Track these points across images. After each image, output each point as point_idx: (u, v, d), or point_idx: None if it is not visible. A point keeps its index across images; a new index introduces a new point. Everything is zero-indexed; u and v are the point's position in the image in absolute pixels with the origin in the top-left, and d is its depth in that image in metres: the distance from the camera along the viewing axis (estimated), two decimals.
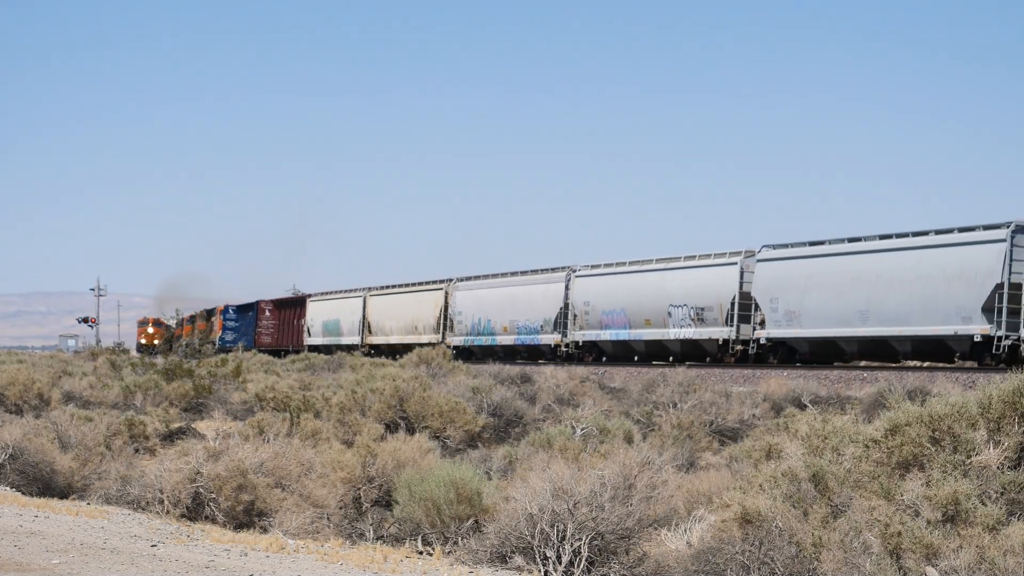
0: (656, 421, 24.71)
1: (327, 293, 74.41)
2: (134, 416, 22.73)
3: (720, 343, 42.86)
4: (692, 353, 44.36)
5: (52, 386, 29.46)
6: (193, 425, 25.56)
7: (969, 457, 10.36)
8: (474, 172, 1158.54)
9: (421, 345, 49.81)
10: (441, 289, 59.88)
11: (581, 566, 11.53)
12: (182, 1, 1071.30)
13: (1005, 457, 10.33)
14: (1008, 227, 33.98)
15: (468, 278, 59.34)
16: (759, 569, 10.24)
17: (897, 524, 9.77)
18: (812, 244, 41.15)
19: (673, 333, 45.13)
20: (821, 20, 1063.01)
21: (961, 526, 9.76)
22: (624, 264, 49.46)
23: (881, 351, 38.61)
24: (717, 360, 42.70)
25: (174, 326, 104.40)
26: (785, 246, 42.07)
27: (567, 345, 50.17)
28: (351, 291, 70.33)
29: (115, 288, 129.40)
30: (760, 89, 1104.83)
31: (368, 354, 55.03)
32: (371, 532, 14.25)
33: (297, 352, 59.69)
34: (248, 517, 14.65)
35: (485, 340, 55.78)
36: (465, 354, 52.38)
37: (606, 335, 48.67)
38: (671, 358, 44.70)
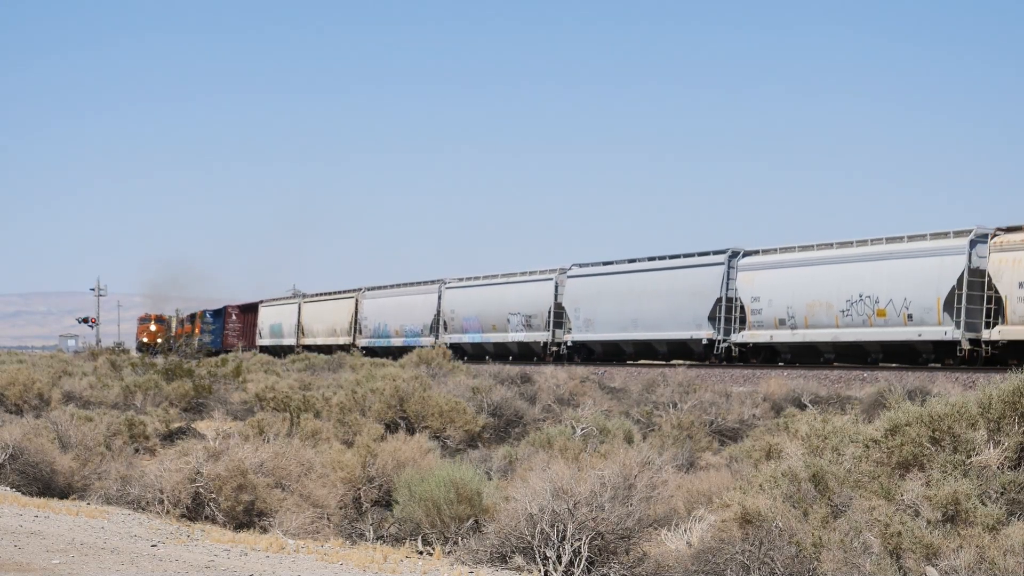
0: (656, 421, 24.72)
1: (275, 299, 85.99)
2: (134, 416, 22.73)
3: (542, 344, 53.22)
4: (525, 353, 53.76)
5: (52, 386, 29.47)
6: (193, 425, 25.56)
7: (969, 457, 10.36)
8: (473, 172, 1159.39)
9: (339, 346, 64.81)
10: (353, 297, 70.54)
11: (581, 566, 11.53)
12: None
13: (1005, 457, 10.33)
14: (726, 254, 44.68)
15: (374, 287, 69.82)
16: (759, 569, 10.24)
17: (897, 524, 9.78)
18: (605, 264, 51.26)
19: (511, 336, 55.63)
20: (818, 19, 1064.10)
21: (961, 526, 9.76)
22: (479, 278, 60.11)
23: (649, 351, 48.10)
24: (541, 358, 51.84)
25: (175, 325, 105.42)
26: (588, 265, 52.21)
27: (438, 346, 53.88)
28: (291, 298, 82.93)
29: (115, 288, 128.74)
30: (745, 87, 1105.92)
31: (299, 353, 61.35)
32: (371, 532, 14.26)
33: (214, 354, 64.68)
34: (248, 517, 14.65)
35: (383, 342, 65.10)
36: (371, 353, 59.46)
37: (466, 338, 58.83)
38: (511, 357, 52.47)
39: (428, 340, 58.89)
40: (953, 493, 9.88)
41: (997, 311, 35.19)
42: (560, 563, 11.55)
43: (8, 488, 16.34)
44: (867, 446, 10.96)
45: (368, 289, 69.38)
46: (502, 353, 54.02)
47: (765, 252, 44.23)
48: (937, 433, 10.58)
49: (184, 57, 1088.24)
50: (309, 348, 68.83)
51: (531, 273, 55.59)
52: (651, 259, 48.83)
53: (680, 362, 44.78)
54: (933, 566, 9.56)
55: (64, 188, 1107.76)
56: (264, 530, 14.17)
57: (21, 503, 14.67)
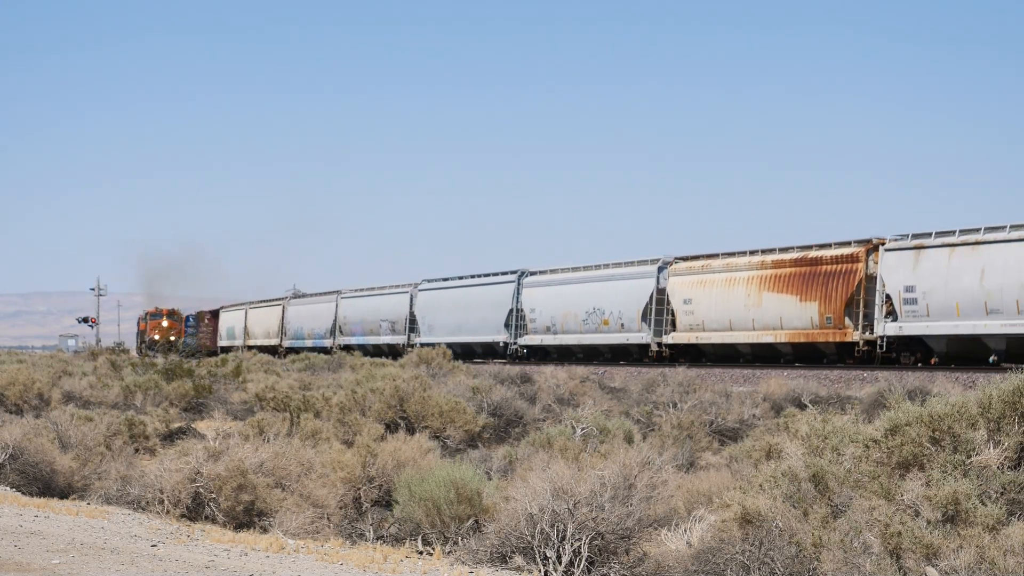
0: (656, 421, 24.72)
1: (232, 305, 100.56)
2: (134, 416, 22.73)
3: (401, 346, 63.46)
4: (393, 352, 60.03)
5: (52, 386, 29.47)
6: (193, 425, 25.57)
7: (969, 457, 10.36)
8: (474, 171, 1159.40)
9: (270, 347, 79.07)
10: (280, 305, 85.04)
11: (581, 566, 11.53)
12: None
13: (1005, 457, 10.33)
14: (516, 274, 57.69)
15: (297, 296, 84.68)
16: (759, 569, 10.24)
17: (897, 524, 9.78)
18: (444, 280, 64.69)
19: (382, 339, 68.19)
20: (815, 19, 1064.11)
21: (961, 526, 9.76)
22: (363, 289, 74.18)
23: (470, 352, 58.14)
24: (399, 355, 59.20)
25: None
26: (434, 280, 65.79)
27: (336, 347, 69.43)
28: (240, 305, 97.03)
29: (115, 288, 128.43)
30: (742, 87, 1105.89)
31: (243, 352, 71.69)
32: (371, 532, 14.25)
33: (215, 354, 73.45)
34: (248, 517, 14.64)
35: (299, 343, 77.85)
36: (293, 351, 67.56)
37: (353, 340, 70.86)
38: (382, 356, 58.22)
39: (328, 342, 73.13)
40: (953, 493, 9.88)
41: (672, 321, 47.75)
42: (560, 563, 11.55)
43: (8, 488, 16.33)
44: (867, 446, 10.96)
45: (292, 297, 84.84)
46: (377, 352, 61.87)
47: (541, 273, 57.08)
48: (937, 433, 10.58)
49: (184, 57, 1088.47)
50: (250, 348, 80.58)
51: (395, 286, 69.47)
52: (473, 276, 62.51)
53: (480, 360, 54.98)
54: (933, 566, 9.56)
55: (64, 188, 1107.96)
56: (264, 530, 14.17)
57: (21, 503, 14.67)
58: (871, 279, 39.80)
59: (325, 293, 79.28)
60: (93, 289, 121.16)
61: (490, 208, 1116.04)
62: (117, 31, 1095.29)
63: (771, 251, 44.96)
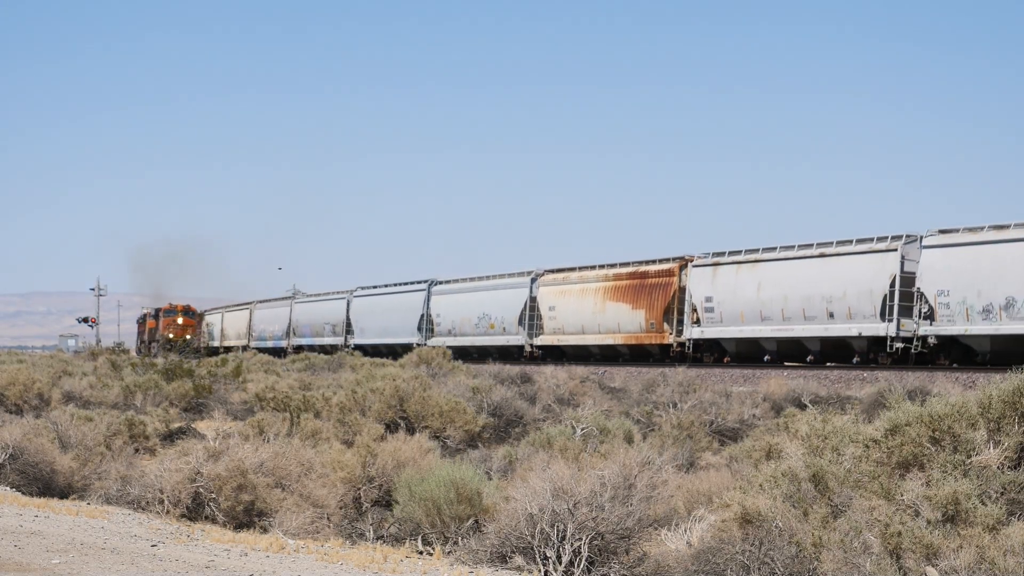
0: (656, 421, 24.73)
1: (214, 308, 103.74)
2: (134, 416, 22.72)
3: (340, 346, 69.12)
4: (332, 351, 63.69)
5: (52, 386, 29.48)
6: (193, 425, 25.57)
7: (969, 457, 10.36)
8: (474, 171, 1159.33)
9: (242, 346, 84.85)
10: (247, 309, 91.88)
11: (581, 566, 11.53)
12: None
13: (1005, 457, 10.33)
14: (428, 283, 65.92)
15: (262, 300, 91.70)
16: (759, 569, 10.24)
17: (897, 524, 9.77)
18: (375, 287, 72.64)
19: (325, 340, 74.61)
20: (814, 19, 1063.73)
21: (961, 526, 9.76)
22: (312, 295, 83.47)
23: (391, 352, 60.03)
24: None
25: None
26: (368, 287, 73.93)
27: (289, 347, 77.94)
28: (218, 309, 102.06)
29: (115, 288, 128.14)
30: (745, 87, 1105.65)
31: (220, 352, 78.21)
32: (371, 532, 14.25)
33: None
34: (248, 517, 14.64)
35: (264, 343, 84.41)
36: (261, 351, 73.84)
37: (303, 341, 78.51)
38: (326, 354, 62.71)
39: (284, 343, 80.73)
40: (953, 493, 9.88)
41: (540, 325, 56.27)
42: (560, 563, 11.55)
43: (8, 488, 16.33)
44: (867, 446, 10.96)
45: (258, 302, 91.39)
46: (322, 351, 66.57)
47: (446, 282, 64.71)
48: (937, 433, 10.58)
49: (184, 57, 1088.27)
50: (228, 349, 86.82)
51: (336, 293, 78.06)
52: (396, 284, 70.34)
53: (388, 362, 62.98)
54: (933, 566, 9.56)
55: (64, 188, 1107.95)
56: (264, 530, 14.17)
57: (21, 503, 14.67)
58: (683, 291, 47.91)
59: (282, 298, 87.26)
60: (93, 289, 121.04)
61: (493, 207, 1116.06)
62: (117, 31, 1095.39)
63: (613, 266, 53.18)
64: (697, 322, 46.66)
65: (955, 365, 37.16)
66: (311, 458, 16.41)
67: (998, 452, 10.34)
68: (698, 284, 46.93)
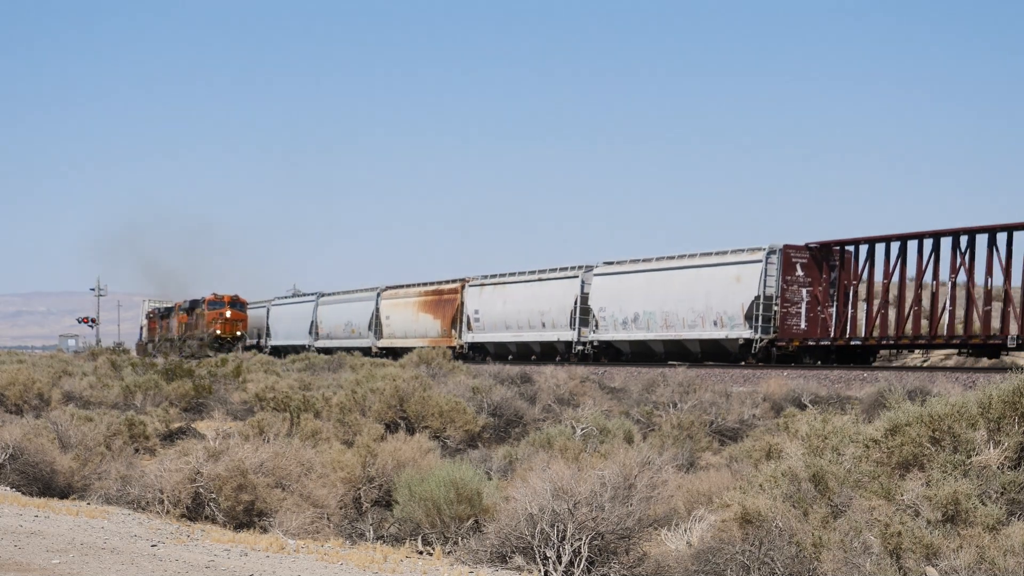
0: (656, 421, 24.73)
1: (259, 302, 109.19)
2: (134, 416, 22.72)
3: (307, 346, 76.35)
4: (298, 350, 72.61)
5: (52, 386, 29.48)
6: (193, 425, 25.57)
7: (969, 457, 10.36)
8: (477, 171, 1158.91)
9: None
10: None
11: (581, 566, 11.53)
12: None
13: (1005, 457, 10.33)
14: (316, 295, 79.78)
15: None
16: (759, 569, 10.24)
17: (897, 524, 9.77)
18: (334, 294, 78.46)
19: (296, 342, 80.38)
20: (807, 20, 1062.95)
21: (961, 526, 9.76)
22: (286, 298, 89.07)
23: (291, 351, 68.91)
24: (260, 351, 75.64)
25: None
26: (284, 297, 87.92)
27: (263, 348, 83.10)
28: (259, 302, 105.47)
29: (115, 288, 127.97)
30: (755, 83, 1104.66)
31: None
32: (371, 532, 14.25)
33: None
34: (248, 517, 14.64)
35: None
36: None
37: (275, 342, 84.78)
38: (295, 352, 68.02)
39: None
40: (953, 493, 9.88)
41: (381, 330, 69.34)
42: (560, 563, 11.55)
43: (8, 488, 16.33)
44: (867, 446, 10.96)
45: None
46: (291, 350, 74.11)
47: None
48: (937, 433, 10.58)
49: (184, 55, 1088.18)
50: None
51: (302, 296, 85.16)
52: (295, 295, 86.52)
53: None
54: (933, 566, 9.56)
55: (64, 188, 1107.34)
56: (264, 530, 14.17)
57: (21, 503, 14.67)
58: (463, 305, 61.88)
59: (262, 302, 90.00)
60: (93, 289, 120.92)
61: (492, 208, 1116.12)
62: (117, 30, 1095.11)
63: (425, 284, 66.83)
64: (471, 329, 61.05)
65: (604, 360, 50.20)
66: (311, 458, 16.41)
67: (998, 452, 10.34)
68: (471, 300, 61.49)
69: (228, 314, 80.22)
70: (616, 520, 11.77)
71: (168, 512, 14.45)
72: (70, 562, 10.98)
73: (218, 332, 78.74)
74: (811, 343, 43.09)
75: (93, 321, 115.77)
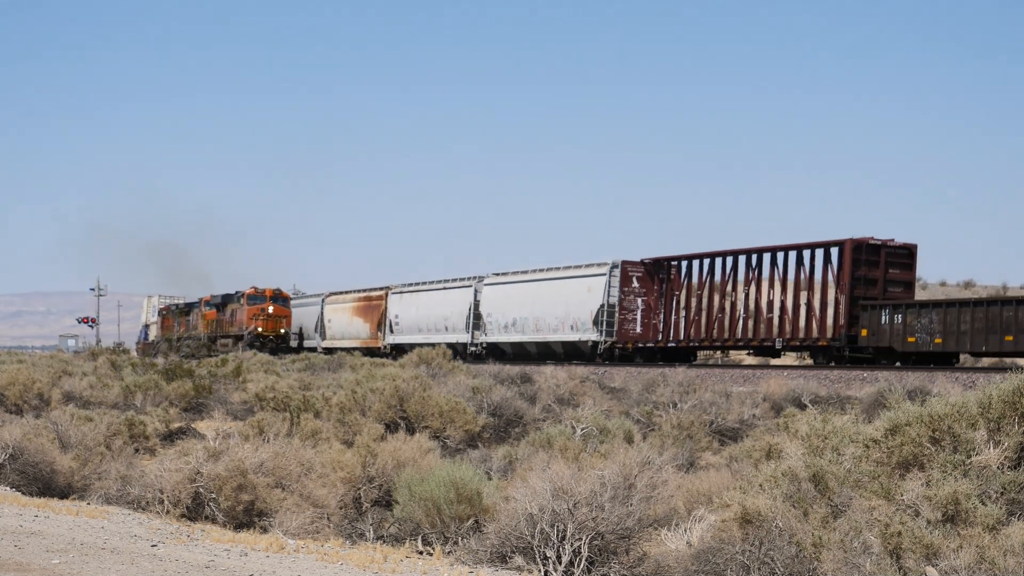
0: (656, 421, 24.73)
1: (298, 296, 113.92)
2: (134, 416, 22.71)
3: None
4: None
5: (52, 386, 29.46)
6: (193, 425, 25.57)
7: (969, 457, 10.36)
8: (476, 171, 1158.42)
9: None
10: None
11: (581, 566, 11.53)
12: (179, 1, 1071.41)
13: (1005, 457, 10.33)
14: (320, 296, 78.75)
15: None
16: (759, 569, 10.24)
17: (897, 524, 9.77)
18: (296, 296, 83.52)
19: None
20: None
21: (961, 526, 9.76)
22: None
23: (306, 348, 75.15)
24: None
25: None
26: (298, 295, 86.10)
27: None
28: (299, 297, 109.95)
29: (115, 288, 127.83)
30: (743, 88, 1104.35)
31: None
32: (371, 532, 14.25)
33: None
34: (248, 517, 14.64)
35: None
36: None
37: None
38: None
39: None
40: (953, 493, 9.88)
41: (325, 332, 75.39)
42: (560, 563, 11.55)
43: (8, 488, 16.33)
44: (867, 446, 10.96)
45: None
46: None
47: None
48: (937, 433, 10.58)
49: (185, 55, 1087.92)
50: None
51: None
52: (305, 296, 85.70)
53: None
54: (933, 566, 9.56)
55: (64, 188, 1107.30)
56: (264, 530, 14.16)
57: (21, 503, 14.67)
58: (387, 310, 68.89)
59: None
60: (93, 289, 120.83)
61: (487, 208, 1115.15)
62: (117, 30, 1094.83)
63: (360, 291, 73.37)
64: (392, 331, 68.08)
65: (491, 360, 51.79)
66: (311, 458, 16.41)
67: (998, 452, 10.34)
68: (393, 306, 68.53)
69: (271, 310, 72.50)
70: (616, 520, 11.77)
71: (168, 512, 14.45)
72: (70, 562, 10.98)
73: (259, 329, 71.36)
74: (641, 345, 50.23)
75: (93, 321, 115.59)
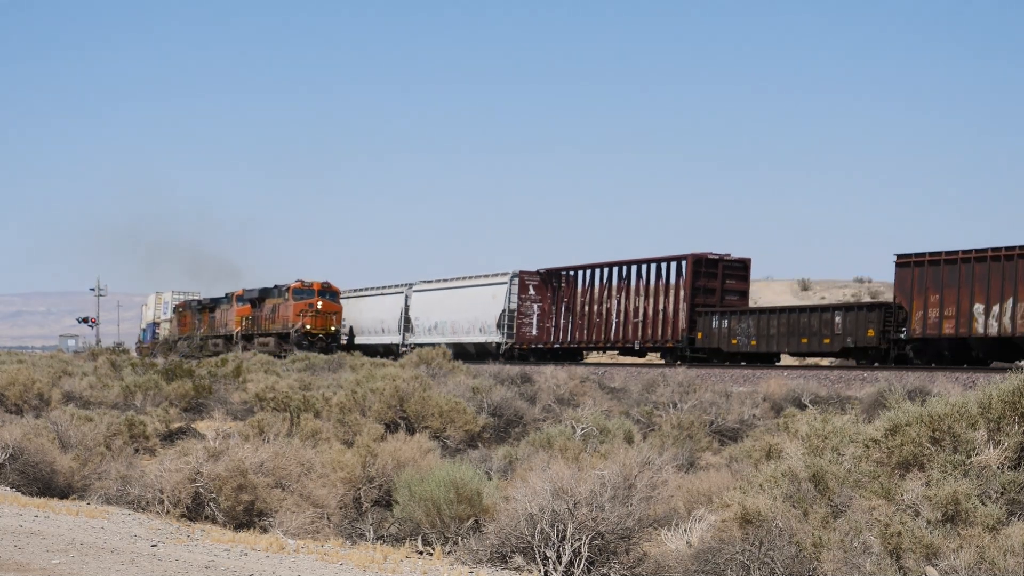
0: (656, 421, 24.73)
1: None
2: (134, 416, 22.71)
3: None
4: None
5: (52, 386, 29.45)
6: (193, 425, 25.57)
7: (969, 457, 10.36)
8: (475, 171, 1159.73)
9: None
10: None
11: (581, 566, 11.53)
12: (176, 3, 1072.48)
13: (1005, 457, 10.33)
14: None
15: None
16: (759, 569, 10.24)
17: (897, 524, 9.78)
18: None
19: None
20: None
21: (961, 526, 9.76)
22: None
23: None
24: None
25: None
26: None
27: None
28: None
29: (115, 288, 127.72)
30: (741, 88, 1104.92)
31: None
32: (371, 532, 14.26)
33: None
34: (248, 517, 14.64)
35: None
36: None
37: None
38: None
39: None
40: (953, 493, 9.88)
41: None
42: (560, 563, 11.55)
43: (8, 488, 16.33)
44: (867, 446, 10.96)
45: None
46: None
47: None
48: (937, 433, 10.58)
49: (185, 54, 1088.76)
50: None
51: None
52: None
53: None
54: (933, 566, 9.56)
55: (64, 188, 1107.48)
56: (264, 530, 14.17)
57: (21, 503, 14.67)
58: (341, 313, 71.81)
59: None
60: (93, 289, 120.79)
61: (484, 208, 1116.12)
62: (116, 31, 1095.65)
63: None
64: (347, 333, 72.49)
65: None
66: (311, 458, 16.41)
67: (998, 452, 10.34)
68: (345, 309, 70.21)
69: (320, 305, 65.20)
70: (616, 520, 11.77)
71: (168, 512, 14.45)
72: (70, 562, 10.99)
73: (308, 327, 64.36)
74: (536, 346, 56.88)
75: (93, 321, 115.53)
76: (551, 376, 33.17)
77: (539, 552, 11.66)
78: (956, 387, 27.93)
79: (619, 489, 12.07)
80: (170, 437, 22.95)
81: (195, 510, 14.59)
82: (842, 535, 10.10)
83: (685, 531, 12.28)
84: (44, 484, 16.92)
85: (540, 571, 11.58)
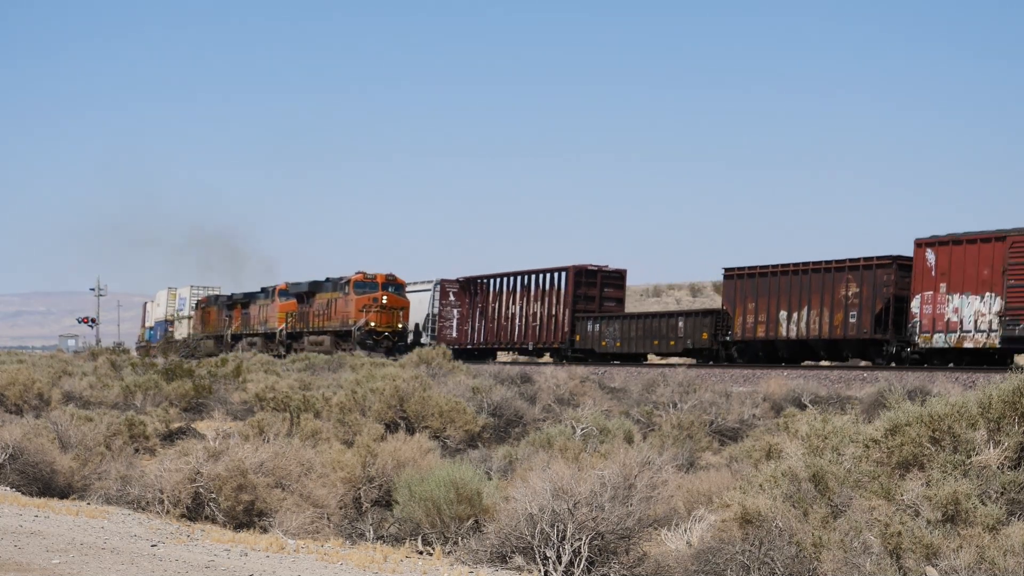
0: (656, 421, 24.72)
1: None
2: (134, 416, 22.70)
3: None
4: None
5: (52, 386, 29.45)
6: (193, 425, 25.56)
7: (969, 457, 10.36)
8: (475, 172, 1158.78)
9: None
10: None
11: (581, 566, 11.53)
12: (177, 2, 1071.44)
13: (1005, 457, 10.33)
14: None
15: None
16: (759, 569, 10.24)
17: (897, 524, 9.77)
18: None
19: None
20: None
21: (961, 526, 9.76)
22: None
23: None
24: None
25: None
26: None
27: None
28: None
29: (115, 288, 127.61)
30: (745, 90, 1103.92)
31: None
32: (371, 532, 14.25)
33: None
34: (248, 517, 14.64)
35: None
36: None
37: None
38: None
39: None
40: (953, 493, 9.88)
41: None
42: (560, 563, 11.55)
43: (8, 488, 16.33)
44: (867, 446, 10.96)
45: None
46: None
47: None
48: (937, 433, 10.58)
49: (187, 57, 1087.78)
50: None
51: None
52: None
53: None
54: (933, 566, 9.56)
55: (64, 188, 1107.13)
56: (264, 530, 14.16)
57: (21, 503, 14.67)
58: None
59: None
60: (93, 289, 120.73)
61: (485, 209, 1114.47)
62: (117, 31, 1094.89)
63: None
64: None
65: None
66: (311, 458, 16.41)
67: (998, 452, 10.34)
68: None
69: (384, 300, 58.92)
70: (616, 520, 11.77)
71: (168, 512, 14.45)
72: (70, 562, 10.98)
73: (372, 324, 58.38)
74: (455, 347, 57.68)
75: (93, 321, 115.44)
76: (551, 376, 33.17)
77: (539, 552, 11.66)
78: (956, 387, 27.94)
79: (619, 489, 12.07)
80: (170, 437, 22.95)
81: (195, 510, 14.59)
82: (842, 535, 10.10)
83: (685, 531, 12.28)
84: (44, 484, 16.92)
85: (540, 571, 11.58)
